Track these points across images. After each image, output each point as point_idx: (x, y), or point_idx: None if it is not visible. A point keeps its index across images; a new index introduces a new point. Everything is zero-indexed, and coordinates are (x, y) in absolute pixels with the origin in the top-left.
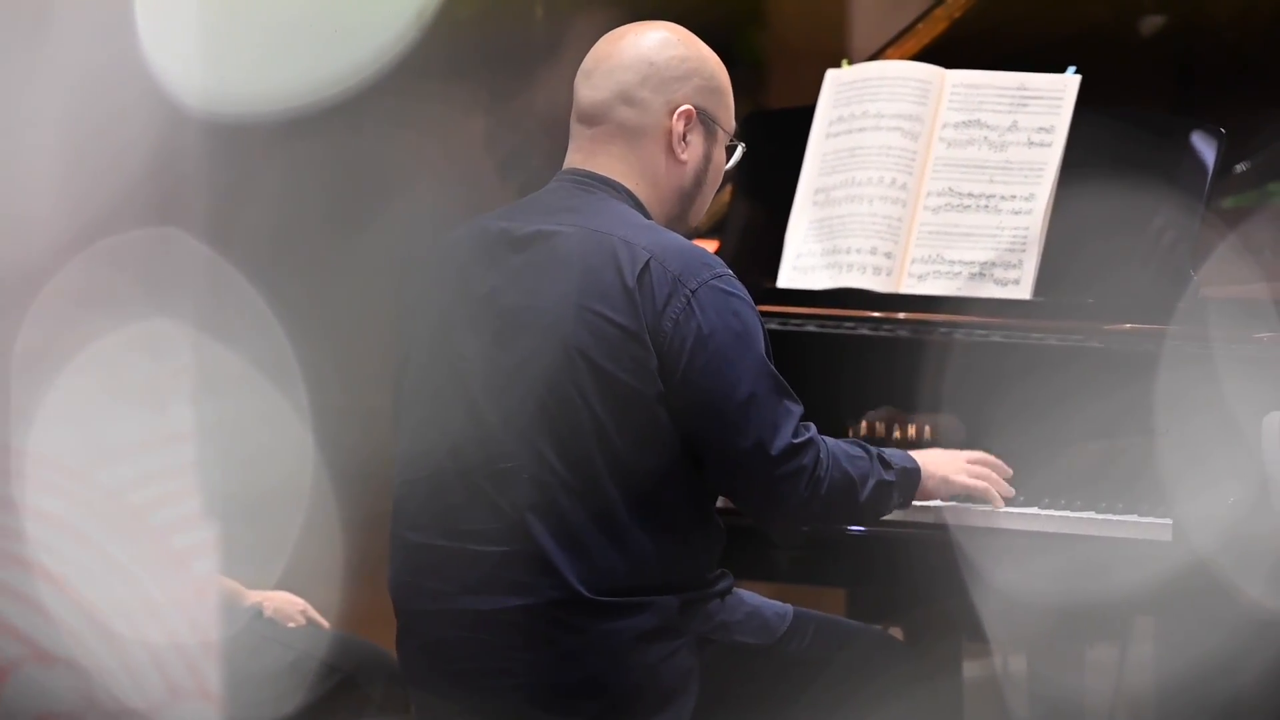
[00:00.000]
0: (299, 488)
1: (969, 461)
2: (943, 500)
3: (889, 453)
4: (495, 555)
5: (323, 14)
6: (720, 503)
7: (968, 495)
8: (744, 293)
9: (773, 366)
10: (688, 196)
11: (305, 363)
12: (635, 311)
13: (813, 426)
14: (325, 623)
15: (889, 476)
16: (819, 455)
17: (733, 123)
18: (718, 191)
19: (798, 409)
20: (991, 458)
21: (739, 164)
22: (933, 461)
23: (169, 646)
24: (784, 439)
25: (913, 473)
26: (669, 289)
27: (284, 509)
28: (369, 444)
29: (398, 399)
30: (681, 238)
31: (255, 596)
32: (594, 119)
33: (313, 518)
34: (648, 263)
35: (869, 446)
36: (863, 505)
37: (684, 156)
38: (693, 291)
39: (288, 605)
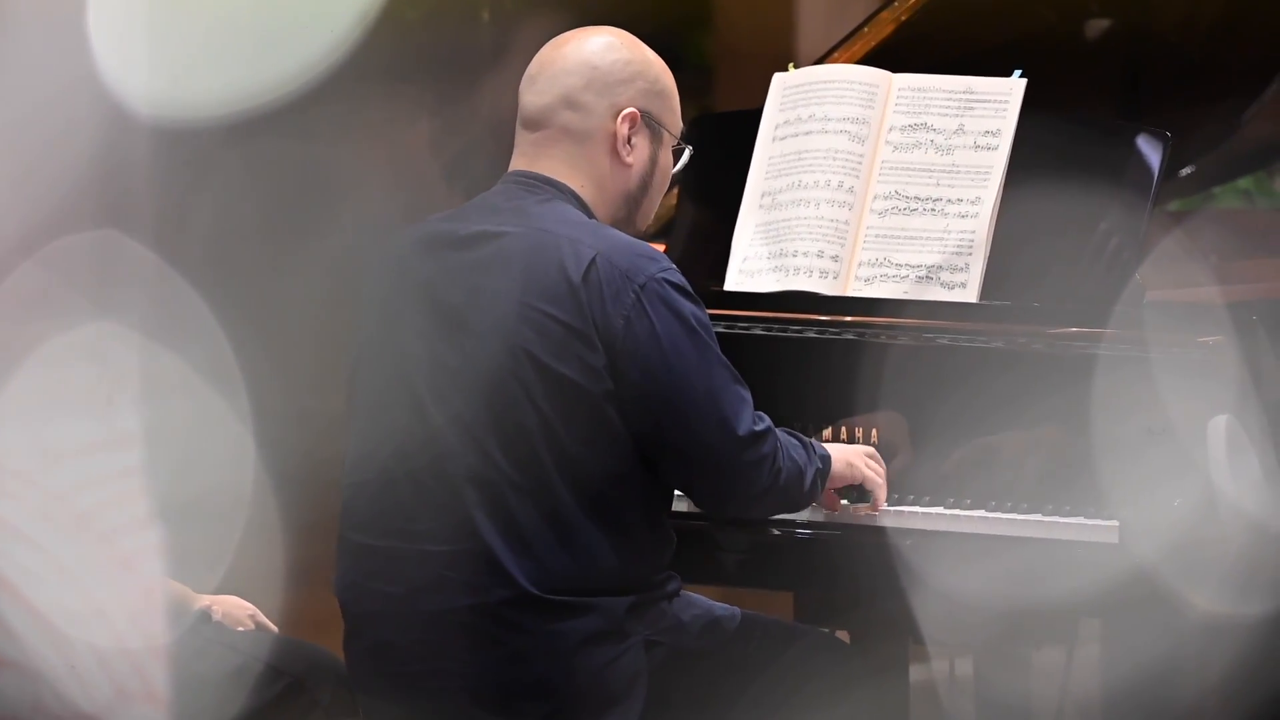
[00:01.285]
0: (241, 491)
1: (867, 455)
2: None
3: (805, 439)
4: (443, 555)
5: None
6: (685, 505)
7: (865, 484)
8: (689, 287)
9: (724, 356)
10: (633, 200)
11: (249, 366)
12: (581, 309)
13: (765, 416)
14: (273, 627)
15: (820, 464)
16: (776, 443)
17: (679, 125)
18: (665, 194)
19: (749, 396)
20: (876, 453)
21: (686, 167)
22: (834, 448)
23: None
24: (746, 426)
25: (827, 459)
26: (617, 285)
27: (227, 512)
28: (313, 447)
29: (350, 401)
30: (628, 236)
31: (204, 600)
32: (538, 123)
33: (256, 521)
34: (594, 259)
35: (798, 434)
36: (806, 493)
37: (629, 159)
38: (641, 287)
39: (236, 609)
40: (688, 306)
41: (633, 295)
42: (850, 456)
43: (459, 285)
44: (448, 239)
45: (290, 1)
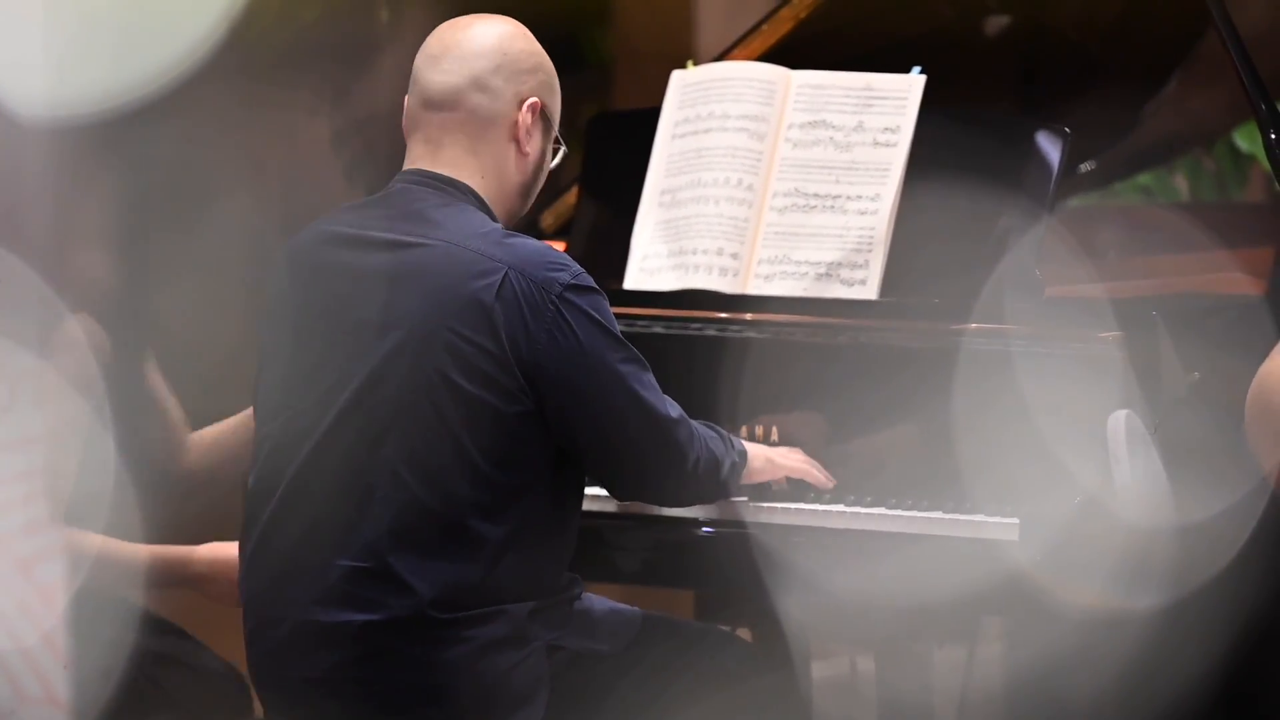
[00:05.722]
0: (125, 493)
1: (802, 460)
2: (773, 482)
3: (725, 433)
4: (345, 569)
5: (153, 8)
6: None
7: (792, 475)
8: (595, 283)
9: (632, 348)
10: (526, 190)
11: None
12: (495, 329)
13: (676, 403)
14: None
15: (735, 457)
16: (693, 431)
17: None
18: (561, 193)
19: (657, 383)
20: (802, 453)
21: (588, 165)
22: (755, 448)
23: (15, 653)
24: (663, 412)
25: (744, 454)
26: (535, 300)
27: (102, 513)
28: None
29: (255, 406)
30: (532, 241)
31: (200, 552)
32: (444, 104)
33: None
34: (505, 275)
35: (716, 427)
36: (723, 482)
37: (527, 149)
38: (558, 298)
39: (225, 552)
40: (601, 307)
41: (552, 307)
42: (771, 454)
43: (370, 298)
44: (357, 246)
45: None
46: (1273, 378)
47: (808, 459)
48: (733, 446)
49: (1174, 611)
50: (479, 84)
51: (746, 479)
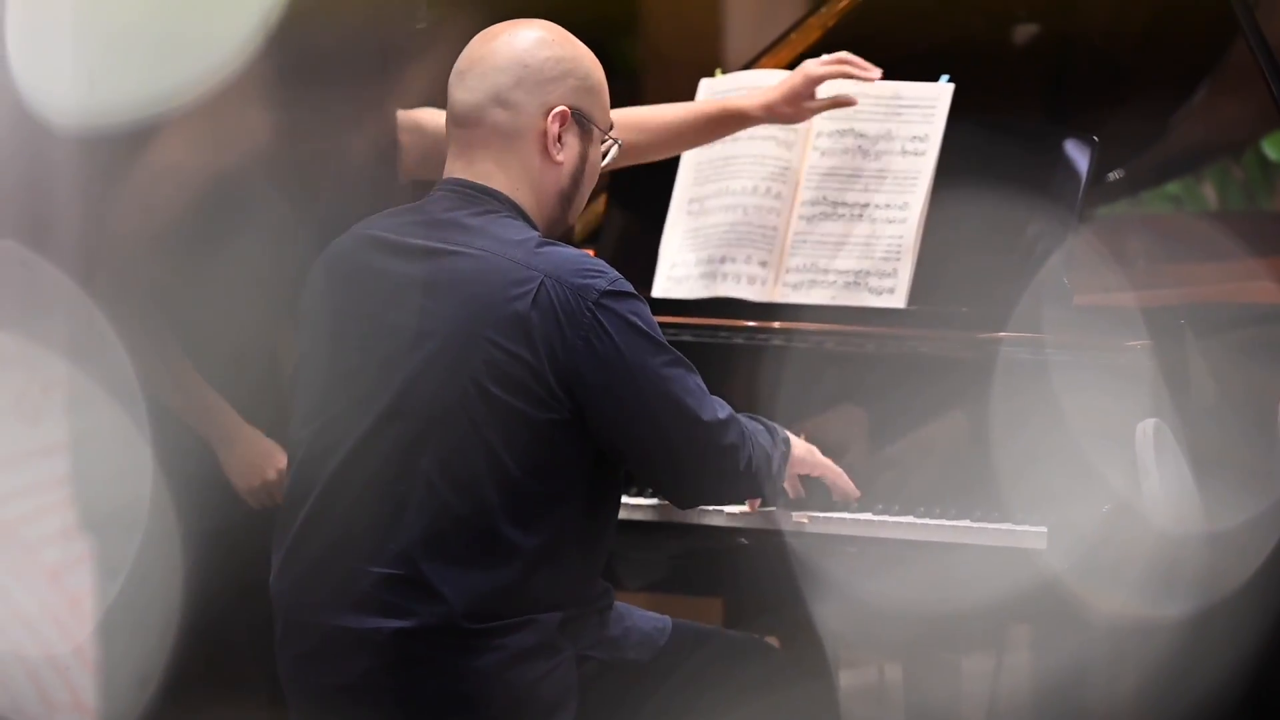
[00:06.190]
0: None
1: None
2: (805, 473)
3: (769, 424)
4: (378, 576)
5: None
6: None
7: (823, 474)
8: (634, 289)
9: (676, 351)
10: (566, 197)
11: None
12: (531, 337)
13: (725, 402)
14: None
15: (784, 447)
16: (741, 428)
17: (609, 119)
18: (595, 193)
19: (704, 385)
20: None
21: (615, 173)
22: (791, 435)
23: (43, 660)
24: (711, 415)
25: (787, 441)
26: (571, 307)
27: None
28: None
29: (292, 410)
30: (568, 249)
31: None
32: (468, 121)
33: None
34: (540, 284)
35: (756, 416)
36: (774, 476)
37: (560, 158)
38: (595, 304)
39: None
40: (640, 312)
41: (588, 314)
42: (809, 445)
43: (406, 305)
44: (394, 253)
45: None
46: None
47: (836, 468)
48: (777, 435)
49: (1202, 619)
50: (499, 99)
51: (792, 468)
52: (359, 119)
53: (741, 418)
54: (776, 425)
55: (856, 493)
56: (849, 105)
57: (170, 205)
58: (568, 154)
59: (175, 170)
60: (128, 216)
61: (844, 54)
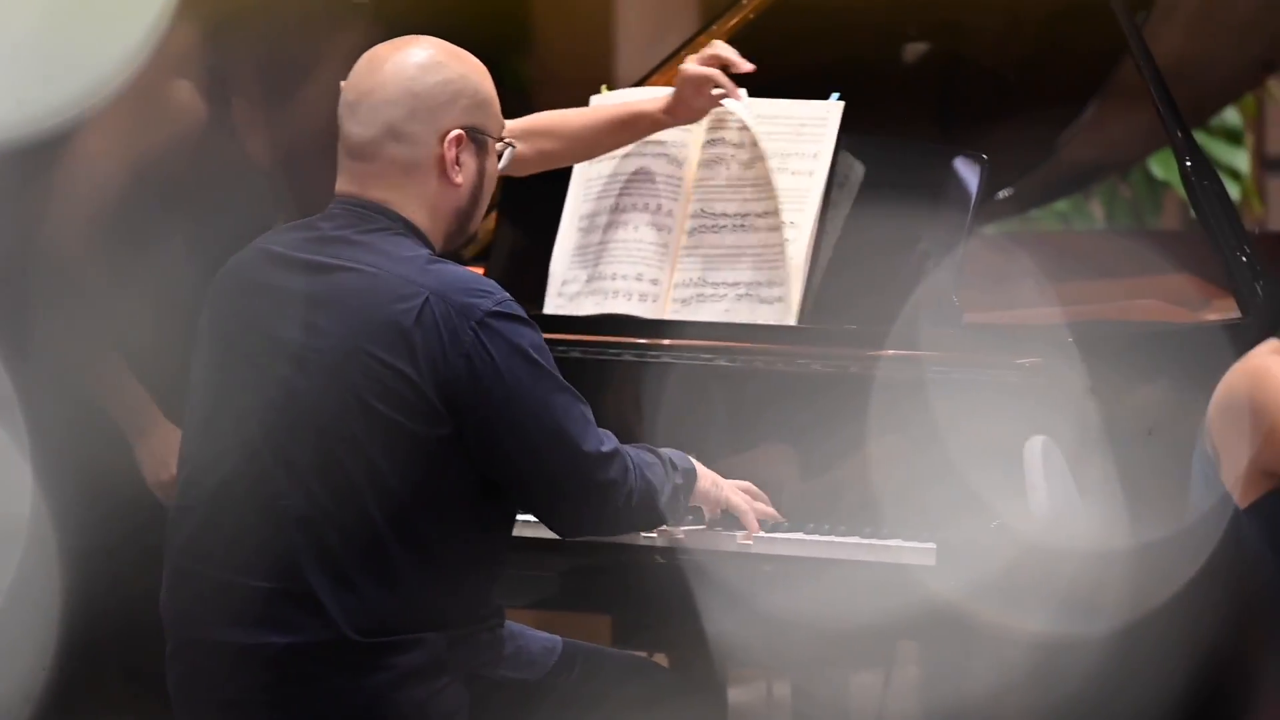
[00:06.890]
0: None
1: (740, 488)
2: (709, 510)
3: (667, 453)
4: (264, 592)
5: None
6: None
7: (730, 508)
8: (524, 312)
9: (563, 380)
10: (465, 214)
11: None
12: (414, 354)
13: (612, 434)
14: None
15: (678, 479)
16: (626, 462)
17: (502, 125)
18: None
19: (591, 415)
20: (753, 487)
21: (505, 190)
22: (701, 467)
23: None
24: (593, 446)
25: (690, 474)
26: (454, 325)
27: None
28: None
29: (184, 422)
30: (458, 268)
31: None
32: (364, 155)
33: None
34: (425, 300)
35: (656, 450)
36: (663, 509)
37: (458, 179)
38: (478, 324)
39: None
40: (526, 336)
41: (470, 333)
42: (719, 479)
43: (294, 321)
44: (284, 262)
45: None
46: (1250, 376)
47: (755, 491)
48: (674, 469)
49: (1100, 637)
50: (394, 133)
51: (694, 500)
52: (293, 111)
53: (632, 450)
54: (680, 456)
55: (758, 528)
56: (737, 98)
57: (91, 201)
58: (465, 174)
59: (94, 167)
60: (52, 214)
61: (717, 44)
